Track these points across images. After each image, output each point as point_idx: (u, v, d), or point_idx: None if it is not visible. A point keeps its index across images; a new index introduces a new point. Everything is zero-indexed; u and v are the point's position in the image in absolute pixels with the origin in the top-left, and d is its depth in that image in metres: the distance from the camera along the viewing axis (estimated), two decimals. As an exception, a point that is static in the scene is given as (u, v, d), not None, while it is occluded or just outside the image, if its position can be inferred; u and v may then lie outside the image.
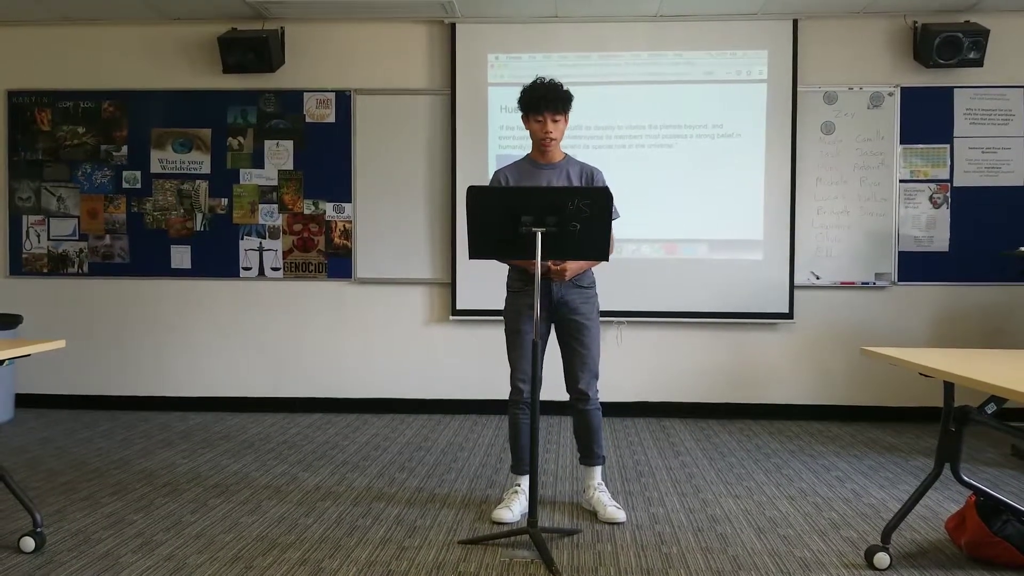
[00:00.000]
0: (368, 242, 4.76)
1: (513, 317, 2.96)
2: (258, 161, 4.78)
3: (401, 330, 4.78)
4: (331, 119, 4.75)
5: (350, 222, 4.76)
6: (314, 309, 4.81)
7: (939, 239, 4.58)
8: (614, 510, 2.90)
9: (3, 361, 2.49)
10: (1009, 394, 1.84)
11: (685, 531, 2.80)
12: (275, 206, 4.79)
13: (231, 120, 4.78)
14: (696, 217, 4.59)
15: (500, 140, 4.64)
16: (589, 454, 3.04)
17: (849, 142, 4.58)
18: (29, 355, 2.58)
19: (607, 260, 2.75)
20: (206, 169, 4.80)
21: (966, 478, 2.53)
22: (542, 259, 2.61)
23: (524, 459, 2.95)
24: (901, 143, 4.57)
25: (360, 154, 4.73)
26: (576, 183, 2.94)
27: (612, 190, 3.01)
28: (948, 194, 4.58)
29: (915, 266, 4.58)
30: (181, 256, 4.82)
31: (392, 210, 4.73)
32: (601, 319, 3.08)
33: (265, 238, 4.80)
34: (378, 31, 4.72)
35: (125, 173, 4.83)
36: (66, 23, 4.78)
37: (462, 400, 4.75)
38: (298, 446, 4.00)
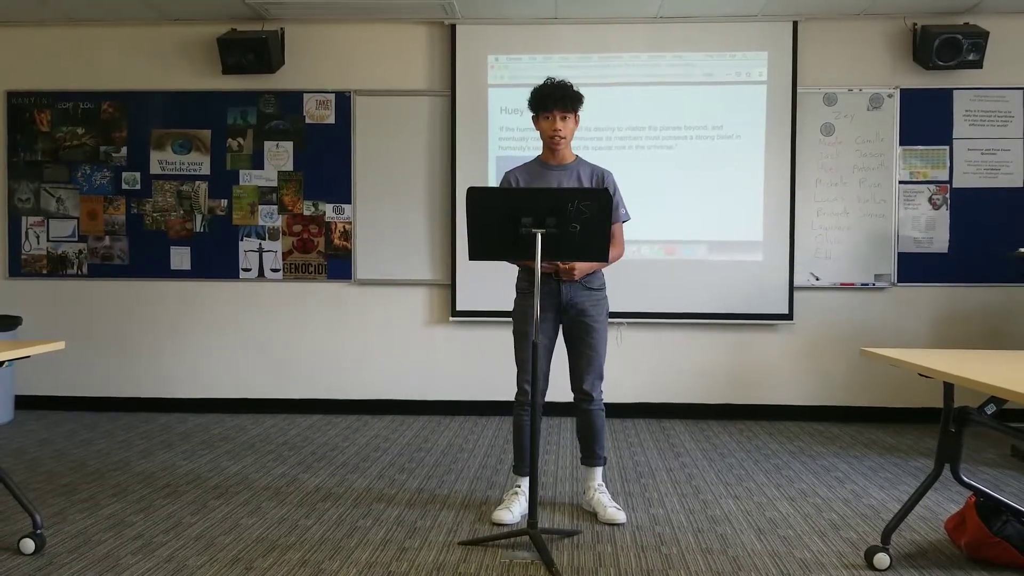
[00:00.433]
0: (368, 243, 4.76)
1: (521, 319, 2.95)
2: (258, 162, 4.78)
3: (401, 331, 4.78)
4: (331, 120, 4.75)
5: (350, 223, 4.76)
6: (314, 310, 4.81)
7: (938, 240, 4.58)
8: (614, 511, 2.90)
9: (2, 363, 2.49)
10: (1008, 395, 1.84)
11: (685, 532, 2.80)
12: (275, 207, 4.79)
13: (231, 121, 4.78)
14: (696, 218, 4.60)
15: (500, 141, 4.65)
16: (591, 454, 3.04)
17: (849, 143, 4.59)
18: (29, 357, 2.57)
19: (606, 261, 2.75)
20: (206, 170, 4.80)
21: (966, 479, 2.53)
22: (542, 260, 2.61)
23: (526, 460, 2.95)
24: (901, 144, 4.58)
25: (360, 155, 4.73)
26: (587, 185, 2.94)
27: (622, 192, 3.03)
28: (947, 195, 4.58)
29: (914, 267, 4.58)
30: (181, 257, 4.82)
31: (392, 211, 4.73)
32: (605, 321, 3.08)
33: (265, 239, 4.80)
34: (378, 32, 4.72)
35: (124, 174, 4.83)
36: (66, 24, 4.78)
37: (462, 401, 4.75)
38: (298, 447, 4.00)
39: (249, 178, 4.79)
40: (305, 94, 4.74)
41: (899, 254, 4.59)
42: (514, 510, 2.90)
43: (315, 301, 4.81)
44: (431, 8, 4.51)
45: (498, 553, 2.60)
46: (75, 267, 4.86)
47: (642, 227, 4.54)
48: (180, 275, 4.83)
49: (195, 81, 4.77)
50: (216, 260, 4.80)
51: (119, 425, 4.48)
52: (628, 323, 4.59)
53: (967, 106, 4.55)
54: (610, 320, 3.04)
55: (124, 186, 4.83)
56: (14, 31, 4.81)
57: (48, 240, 4.86)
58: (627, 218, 3.05)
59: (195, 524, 2.86)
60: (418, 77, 4.72)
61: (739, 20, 4.55)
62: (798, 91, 4.55)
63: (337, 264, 4.78)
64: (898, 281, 4.59)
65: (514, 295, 3.04)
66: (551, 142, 2.92)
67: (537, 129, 2.95)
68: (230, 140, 4.78)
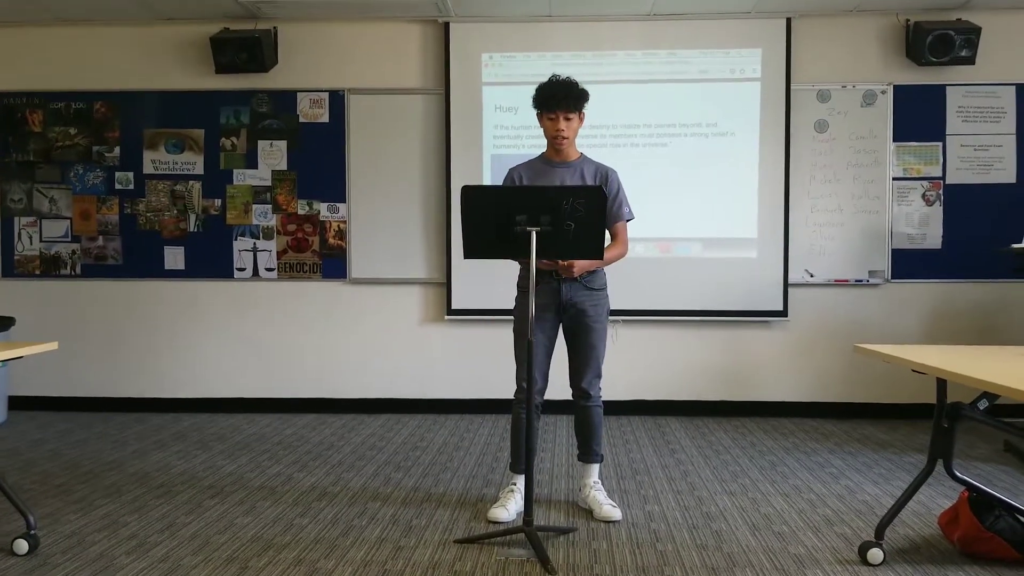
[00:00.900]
0: (362, 242, 4.75)
1: (521, 317, 2.95)
2: (251, 161, 4.77)
3: (396, 330, 4.78)
4: (325, 119, 4.74)
5: (344, 222, 4.75)
6: (309, 309, 4.80)
7: (932, 236, 4.60)
8: (610, 508, 2.91)
9: (-4, 363, 2.48)
10: (1001, 390, 1.85)
11: (680, 528, 2.81)
12: (269, 206, 4.78)
13: (224, 120, 4.77)
14: (690, 216, 4.60)
15: (495, 140, 4.64)
16: (588, 451, 3.05)
17: (842, 140, 4.59)
18: (22, 357, 2.56)
19: (602, 259, 2.75)
20: (199, 170, 4.79)
21: (959, 474, 2.54)
22: (537, 258, 2.61)
23: (523, 457, 2.95)
24: (894, 141, 4.59)
25: (354, 154, 4.72)
26: (590, 183, 2.93)
27: (625, 191, 3.03)
28: (941, 191, 4.60)
29: (908, 263, 4.60)
30: (175, 257, 4.81)
31: (386, 210, 4.73)
32: (599, 318, 3.08)
33: (259, 239, 4.79)
34: (371, 30, 4.71)
35: (118, 174, 4.81)
36: (58, 23, 4.75)
37: (457, 400, 4.75)
38: (293, 447, 3.99)
39: (243, 177, 4.78)
40: (299, 93, 4.73)
41: (893, 250, 4.60)
42: (510, 508, 2.91)
43: (310, 300, 4.80)
44: (424, 6, 4.50)
45: (494, 551, 2.60)
46: (68, 267, 4.84)
47: (637, 225, 4.49)
48: (174, 275, 4.81)
49: (188, 80, 4.76)
50: (210, 260, 4.79)
51: (113, 425, 4.47)
52: (623, 321, 4.60)
53: (960, 102, 4.56)
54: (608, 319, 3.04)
55: (117, 186, 4.81)
56: (5, 31, 4.78)
57: (41, 240, 4.84)
58: (631, 217, 3.05)
59: (190, 524, 2.86)
60: (412, 75, 4.72)
61: (733, 17, 4.55)
62: (792, 88, 4.55)
63: (332, 263, 4.78)
64: (892, 277, 4.61)
65: (511, 293, 3.03)
66: (554, 142, 2.92)
67: (540, 126, 2.95)
68: (223, 139, 4.77)
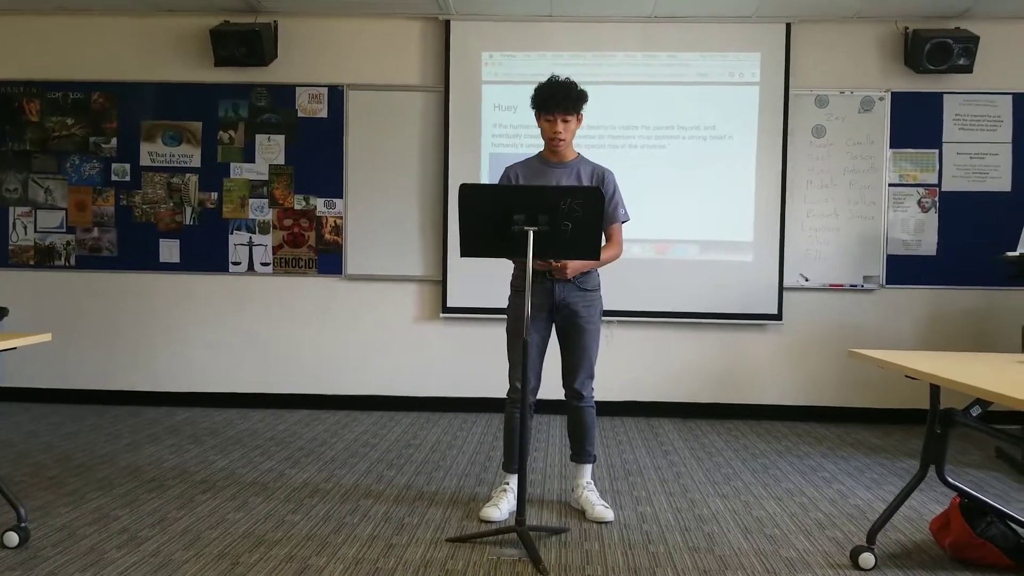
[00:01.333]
0: (359, 238, 4.74)
1: (515, 317, 2.95)
2: (249, 155, 4.76)
3: (391, 327, 4.77)
4: (323, 114, 4.73)
5: (341, 218, 4.74)
6: (304, 305, 4.79)
7: (927, 243, 4.61)
8: (602, 509, 2.91)
9: (-11, 354, 2.47)
10: (994, 397, 1.86)
11: (672, 530, 2.81)
12: (265, 201, 4.77)
13: (222, 114, 4.75)
14: (687, 218, 4.61)
15: (493, 138, 4.64)
16: (580, 451, 3.05)
17: (839, 146, 4.61)
18: (15, 348, 2.55)
19: (597, 260, 2.75)
20: (196, 163, 4.77)
21: (951, 480, 2.55)
22: (534, 258, 2.61)
23: (516, 457, 2.95)
24: (891, 147, 4.60)
25: (352, 150, 4.71)
26: (587, 183, 2.93)
27: (621, 192, 3.03)
28: (936, 198, 4.61)
29: (903, 269, 4.61)
30: (170, 250, 4.79)
31: (384, 206, 4.72)
32: (593, 319, 3.08)
33: (255, 233, 4.77)
34: (372, 26, 4.70)
35: (114, 165, 4.79)
36: (57, 12, 4.73)
37: (452, 398, 4.74)
38: (286, 442, 3.99)
39: (240, 171, 4.77)
40: (298, 87, 4.72)
41: (888, 256, 4.61)
42: (502, 507, 2.91)
43: (305, 296, 4.79)
44: (425, 3, 4.49)
45: (486, 550, 2.60)
46: (63, 258, 4.82)
47: (633, 226, 4.50)
48: (169, 268, 4.80)
49: (187, 73, 4.74)
50: (206, 253, 4.78)
51: (106, 418, 4.45)
52: (618, 322, 4.60)
53: (957, 110, 4.58)
54: (601, 319, 3.04)
55: (114, 177, 4.79)
56: (3, 19, 4.76)
57: (36, 231, 4.82)
58: (626, 218, 3.05)
59: (181, 518, 2.85)
60: (411, 72, 4.71)
61: (733, 21, 4.56)
62: (790, 93, 4.56)
63: (328, 259, 4.77)
64: (886, 283, 4.62)
65: (506, 293, 3.04)
66: (551, 143, 2.92)
67: (538, 126, 2.95)
68: (221, 133, 4.76)
